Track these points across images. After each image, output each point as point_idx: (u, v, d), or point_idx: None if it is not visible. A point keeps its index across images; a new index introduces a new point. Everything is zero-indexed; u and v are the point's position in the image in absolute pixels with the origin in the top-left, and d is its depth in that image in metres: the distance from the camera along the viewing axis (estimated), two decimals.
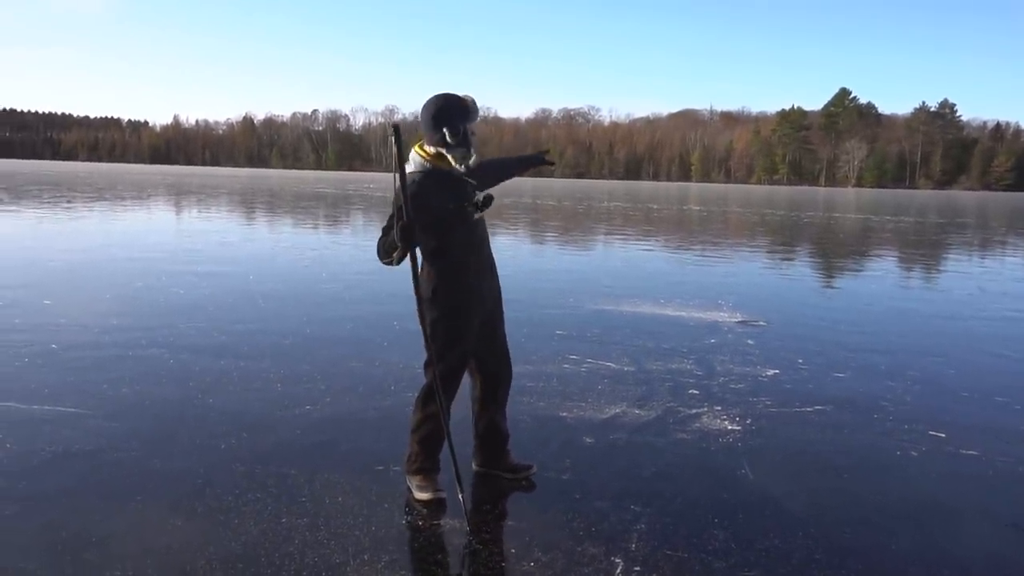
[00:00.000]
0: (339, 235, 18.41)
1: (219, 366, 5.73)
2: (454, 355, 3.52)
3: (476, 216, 3.45)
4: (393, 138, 3.14)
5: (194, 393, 5.07)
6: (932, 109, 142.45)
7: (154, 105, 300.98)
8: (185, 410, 4.73)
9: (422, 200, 3.28)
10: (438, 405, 3.42)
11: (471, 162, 3.39)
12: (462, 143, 3.34)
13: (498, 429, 3.80)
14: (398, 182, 3.22)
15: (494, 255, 3.66)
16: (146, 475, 3.75)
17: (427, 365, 3.48)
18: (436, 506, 3.47)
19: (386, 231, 3.43)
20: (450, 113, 3.34)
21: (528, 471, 3.84)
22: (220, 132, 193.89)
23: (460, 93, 3.40)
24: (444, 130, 3.32)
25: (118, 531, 3.19)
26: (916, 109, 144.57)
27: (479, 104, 3.44)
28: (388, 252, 3.38)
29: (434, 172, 3.37)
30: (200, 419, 4.57)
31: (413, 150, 3.44)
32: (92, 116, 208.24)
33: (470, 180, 3.43)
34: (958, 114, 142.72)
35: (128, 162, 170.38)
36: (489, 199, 3.43)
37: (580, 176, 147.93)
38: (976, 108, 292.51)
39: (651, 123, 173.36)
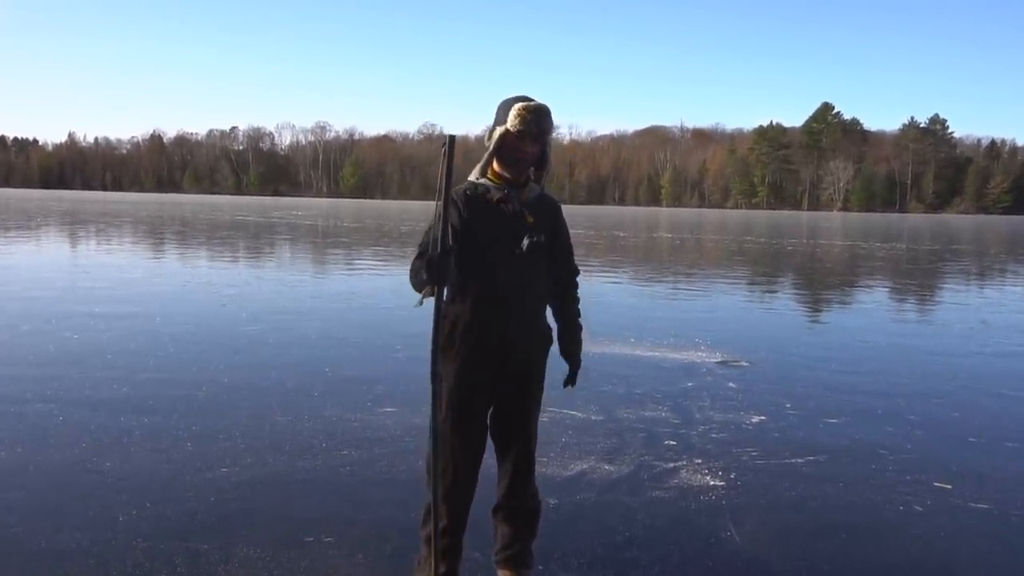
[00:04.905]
0: (262, 270, 18.18)
1: (118, 423, 5.55)
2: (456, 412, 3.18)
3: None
4: (446, 151, 2.81)
5: (88, 455, 4.89)
6: (922, 125, 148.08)
7: (44, 121, 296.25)
8: (76, 476, 4.55)
9: None
10: (432, 480, 3.04)
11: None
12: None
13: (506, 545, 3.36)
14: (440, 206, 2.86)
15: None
16: (28, 556, 3.57)
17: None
18: None
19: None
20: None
21: None
22: (124, 151, 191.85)
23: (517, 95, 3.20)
24: None
25: None
26: (905, 125, 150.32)
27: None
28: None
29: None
30: (95, 487, 4.40)
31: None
32: None
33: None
34: (950, 130, 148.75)
35: (14, 186, 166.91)
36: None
37: None
38: (969, 124, 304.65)
39: (616, 141, 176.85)
